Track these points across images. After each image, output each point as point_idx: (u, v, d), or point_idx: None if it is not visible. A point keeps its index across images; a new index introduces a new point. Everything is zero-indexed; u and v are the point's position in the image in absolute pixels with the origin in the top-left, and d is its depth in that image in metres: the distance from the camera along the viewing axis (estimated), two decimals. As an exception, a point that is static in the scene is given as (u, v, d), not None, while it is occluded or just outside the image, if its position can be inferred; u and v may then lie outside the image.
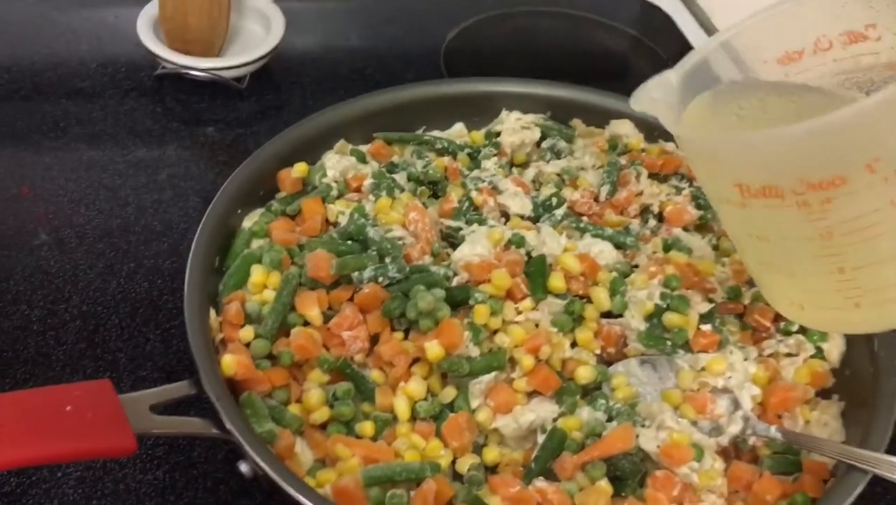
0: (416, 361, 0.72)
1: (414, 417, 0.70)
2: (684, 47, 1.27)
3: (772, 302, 0.68)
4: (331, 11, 1.25)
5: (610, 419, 0.69)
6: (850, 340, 0.75)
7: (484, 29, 1.26)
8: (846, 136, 0.44)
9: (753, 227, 0.58)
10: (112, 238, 0.88)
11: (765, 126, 0.57)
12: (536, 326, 0.74)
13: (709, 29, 1.30)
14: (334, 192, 0.83)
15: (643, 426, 0.68)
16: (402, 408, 0.69)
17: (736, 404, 0.70)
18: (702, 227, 0.87)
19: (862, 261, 0.49)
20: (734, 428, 0.69)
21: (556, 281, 0.76)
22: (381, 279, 0.74)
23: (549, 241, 0.78)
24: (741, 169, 0.53)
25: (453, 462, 0.69)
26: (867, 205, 0.47)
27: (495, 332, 0.74)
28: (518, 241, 0.78)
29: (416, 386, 0.69)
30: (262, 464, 0.60)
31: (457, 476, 0.68)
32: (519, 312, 0.75)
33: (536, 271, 0.76)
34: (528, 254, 0.78)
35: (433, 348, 0.70)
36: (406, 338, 0.74)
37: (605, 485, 0.65)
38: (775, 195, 0.49)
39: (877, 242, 0.48)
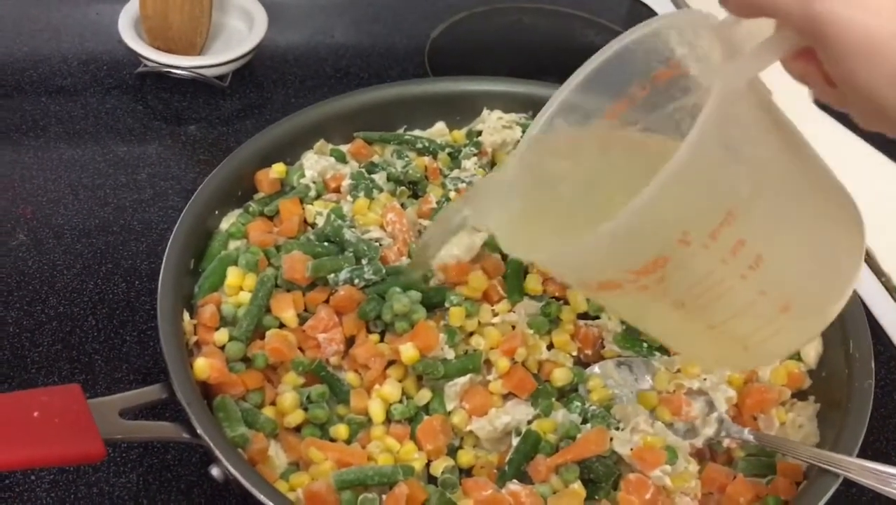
0: (391, 363, 0.72)
1: (389, 420, 0.70)
2: (671, 44, 1.26)
3: (685, 361, 0.72)
4: (315, 8, 1.24)
5: (585, 421, 0.69)
6: (827, 341, 0.75)
7: (469, 26, 1.25)
8: (643, 227, 0.44)
9: (619, 310, 0.60)
10: (90, 238, 0.88)
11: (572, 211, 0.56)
12: (513, 327, 0.74)
13: (695, 26, 1.30)
14: (312, 193, 0.83)
15: (617, 429, 0.68)
16: (376, 411, 0.69)
17: (711, 406, 0.70)
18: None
19: (724, 315, 0.50)
20: (709, 430, 0.69)
21: (533, 283, 0.76)
22: (357, 281, 0.73)
23: (524, 243, 0.78)
24: (568, 273, 0.54)
25: (428, 464, 0.68)
26: (700, 271, 0.47)
27: (471, 334, 0.74)
28: (495, 243, 0.78)
29: (390, 389, 0.69)
30: (232, 469, 0.60)
31: (432, 479, 0.68)
32: (495, 315, 0.75)
33: (513, 273, 0.75)
34: (504, 256, 0.78)
35: (408, 351, 0.70)
36: (382, 340, 0.74)
37: (578, 488, 0.65)
38: (615, 287, 0.49)
39: (729, 297, 0.48)
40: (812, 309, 0.51)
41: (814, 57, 0.43)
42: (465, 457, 0.69)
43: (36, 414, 0.56)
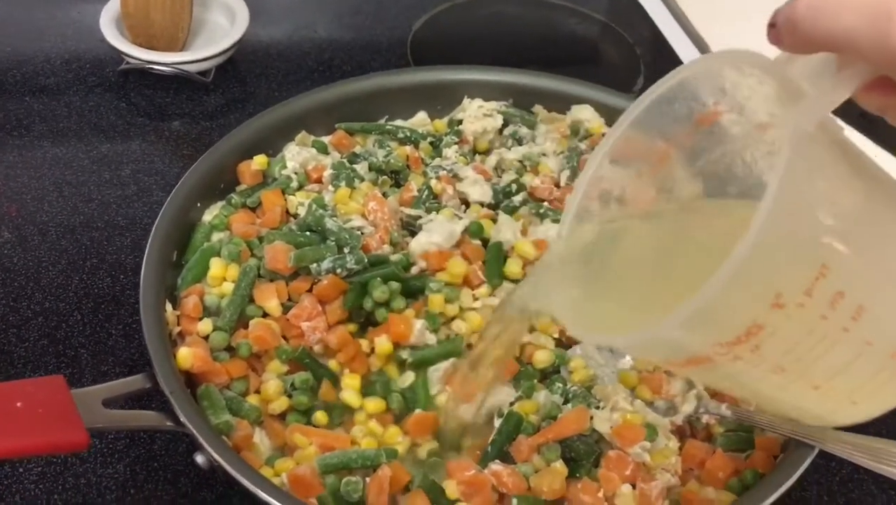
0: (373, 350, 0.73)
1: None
2: (653, 33, 1.27)
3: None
4: (296, 2, 1.24)
5: (566, 402, 0.70)
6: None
7: (451, 17, 1.26)
8: (731, 298, 0.40)
9: (709, 381, 0.55)
10: (75, 234, 0.88)
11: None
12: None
13: (677, 14, 1.31)
14: (294, 184, 0.83)
15: (598, 408, 0.69)
16: (351, 398, 0.70)
17: (690, 384, 0.71)
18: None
19: (829, 373, 0.46)
20: (688, 407, 0.70)
21: (513, 267, 0.76)
22: (339, 270, 0.74)
23: (504, 228, 0.79)
24: (650, 354, 0.50)
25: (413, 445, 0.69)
26: (798, 332, 0.43)
27: (453, 319, 0.75)
28: (476, 230, 0.79)
29: (349, 381, 0.71)
30: (216, 455, 0.60)
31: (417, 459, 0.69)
32: (476, 299, 0.75)
33: (492, 258, 0.76)
34: (486, 241, 0.79)
35: (383, 344, 0.71)
36: (365, 328, 0.75)
37: (560, 466, 0.65)
38: (704, 361, 0.44)
39: (833, 354, 0.44)
40: None
41: (892, 86, 0.40)
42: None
43: (19, 404, 0.56)
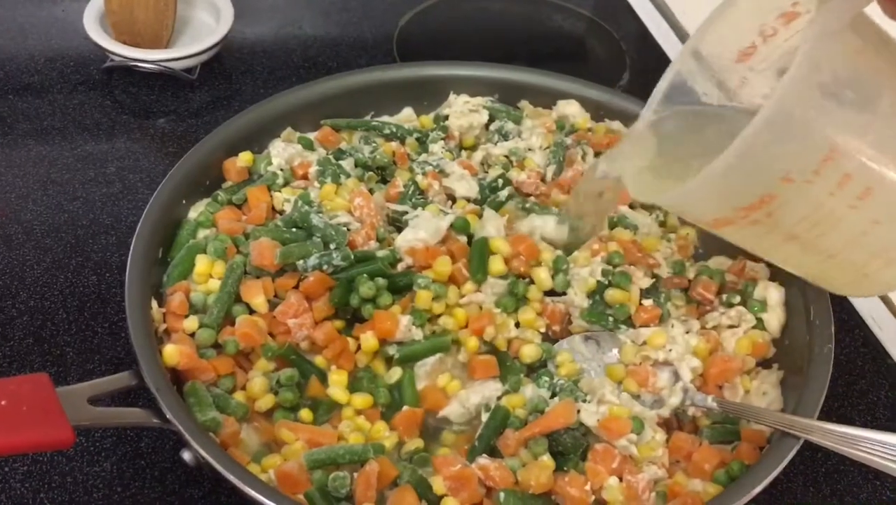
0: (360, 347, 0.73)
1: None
2: (639, 28, 1.27)
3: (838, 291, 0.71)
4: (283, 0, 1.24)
5: (553, 396, 0.70)
6: (790, 311, 0.76)
7: (437, 13, 1.26)
8: (745, 166, 0.48)
9: (739, 241, 0.63)
10: (60, 233, 0.88)
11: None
12: (480, 308, 0.75)
13: (663, 10, 1.31)
14: (280, 180, 0.83)
15: (585, 401, 0.69)
16: (338, 394, 0.70)
17: (676, 376, 0.71)
18: (648, 204, 0.88)
19: (839, 245, 0.53)
20: (674, 400, 0.70)
21: (497, 264, 0.76)
22: (325, 267, 0.74)
23: (488, 224, 0.79)
24: (686, 212, 0.61)
25: (399, 443, 0.69)
26: (807, 205, 0.51)
27: (439, 316, 0.75)
28: (461, 226, 0.79)
29: (336, 377, 0.71)
30: (203, 452, 0.60)
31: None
32: (462, 296, 0.75)
33: (476, 255, 0.76)
34: (471, 237, 0.79)
35: (369, 340, 0.71)
36: (352, 325, 0.75)
37: (547, 460, 0.66)
38: (727, 223, 0.55)
39: (841, 228, 0.51)
40: None
41: None
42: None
43: (3, 403, 0.56)
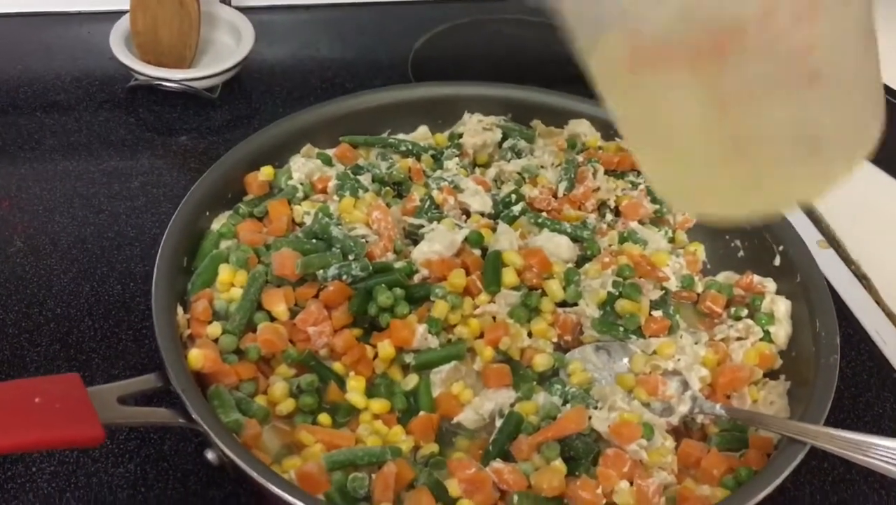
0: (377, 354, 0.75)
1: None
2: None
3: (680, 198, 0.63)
4: (301, 23, 1.28)
5: (565, 403, 0.72)
6: (796, 323, 0.78)
7: (451, 37, 1.29)
8: None
9: (643, 112, 0.53)
10: (86, 244, 0.90)
11: None
12: (494, 318, 0.77)
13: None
14: (300, 194, 0.86)
15: (596, 408, 0.71)
16: (356, 399, 0.72)
17: (685, 385, 0.73)
18: (657, 220, 0.90)
19: (757, 129, 0.48)
20: (683, 408, 0.72)
21: (509, 277, 0.79)
22: (345, 277, 0.76)
23: (502, 238, 0.81)
24: (633, 33, 0.49)
25: (415, 448, 0.71)
26: (760, 68, 0.46)
27: (454, 326, 0.77)
28: (475, 240, 0.81)
29: (354, 383, 0.73)
30: (228, 451, 0.62)
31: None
32: (476, 307, 0.78)
33: (490, 266, 0.78)
34: (485, 250, 0.81)
35: (385, 348, 0.73)
36: (369, 333, 0.77)
37: (559, 465, 0.67)
38: (668, 57, 0.46)
39: (772, 109, 0.47)
40: (836, 151, 0.50)
41: None
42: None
43: (37, 400, 0.58)
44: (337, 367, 0.74)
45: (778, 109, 0.47)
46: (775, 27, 0.45)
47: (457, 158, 0.93)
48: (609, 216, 0.90)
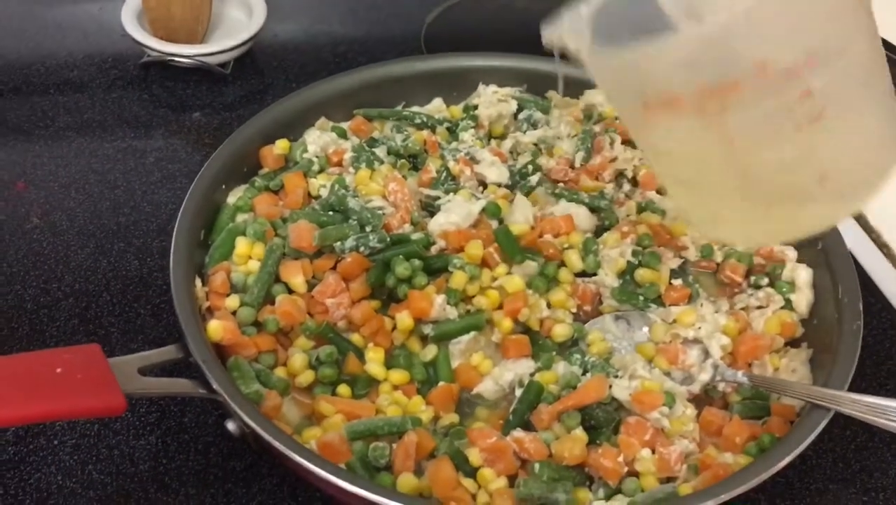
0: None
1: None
2: (661, 22, 1.28)
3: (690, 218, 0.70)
4: (313, -2, 1.27)
5: (585, 372, 0.72)
6: (818, 291, 0.77)
7: (463, 10, 1.28)
8: (728, 36, 0.48)
9: (664, 139, 0.58)
10: (102, 220, 0.90)
11: None
12: (510, 291, 0.77)
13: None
14: (315, 167, 0.86)
15: (616, 377, 0.70)
16: (376, 370, 0.71)
17: (706, 354, 0.72)
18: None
19: (766, 164, 0.52)
20: (704, 376, 0.71)
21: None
22: (362, 248, 0.76)
23: (517, 210, 0.81)
24: (640, 77, 0.55)
25: (435, 418, 0.71)
26: (763, 109, 0.50)
27: (472, 297, 0.76)
28: (492, 211, 0.81)
29: (373, 354, 0.73)
30: (249, 421, 0.62)
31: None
32: (494, 279, 0.77)
33: (504, 239, 0.78)
34: (501, 221, 0.81)
35: (404, 320, 0.73)
36: (387, 305, 0.76)
37: (580, 433, 0.67)
38: (675, 104, 0.52)
39: (779, 146, 0.51)
40: (846, 188, 0.53)
41: None
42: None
43: (59, 370, 0.58)
44: (355, 338, 0.74)
45: (782, 147, 0.51)
46: (769, 80, 0.49)
47: (472, 130, 0.92)
48: (627, 186, 0.89)
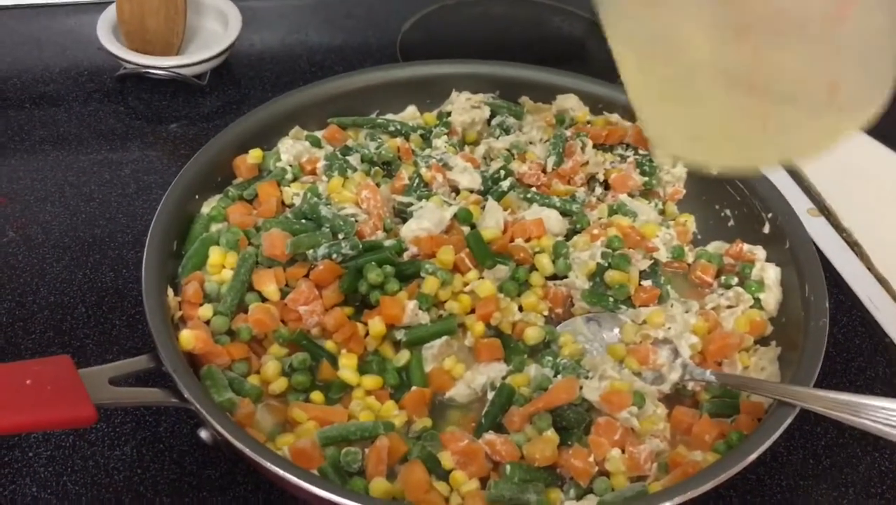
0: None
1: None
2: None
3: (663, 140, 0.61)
4: (289, 8, 1.27)
5: (556, 374, 0.72)
6: (786, 289, 0.78)
7: (439, 18, 1.29)
8: None
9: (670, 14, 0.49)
10: (78, 232, 0.91)
11: None
12: (481, 296, 0.77)
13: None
14: (289, 176, 0.86)
15: (587, 378, 0.71)
16: (348, 376, 0.72)
17: (676, 353, 0.73)
18: (647, 192, 0.90)
19: (774, 68, 0.46)
20: (674, 375, 0.72)
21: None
22: (335, 256, 0.77)
23: (488, 216, 0.81)
24: None
25: (408, 423, 0.71)
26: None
27: (444, 302, 0.77)
28: (464, 216, 0.82)
29: (346, 360, 0.73)
30: (221, 429, 0.63)
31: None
32: (465, 284, 0.78)
33: (475, 244, 0.79)
34: (474, 227, 0.81)
35: (376, 325, 0.73)
36: (361, 311, 0.77)
37: (551, 434, 0.68)
38: None
39: (796, 44, 0.45)
40: (851, 101, 0.48)
41: None
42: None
43: (28, 382, 0.59)
44: (329, 345, 0.75)
45: (801, 47, 0.45)
46: None
47: (445, 137, 0.93)
48: (598, 189, 0.90)
